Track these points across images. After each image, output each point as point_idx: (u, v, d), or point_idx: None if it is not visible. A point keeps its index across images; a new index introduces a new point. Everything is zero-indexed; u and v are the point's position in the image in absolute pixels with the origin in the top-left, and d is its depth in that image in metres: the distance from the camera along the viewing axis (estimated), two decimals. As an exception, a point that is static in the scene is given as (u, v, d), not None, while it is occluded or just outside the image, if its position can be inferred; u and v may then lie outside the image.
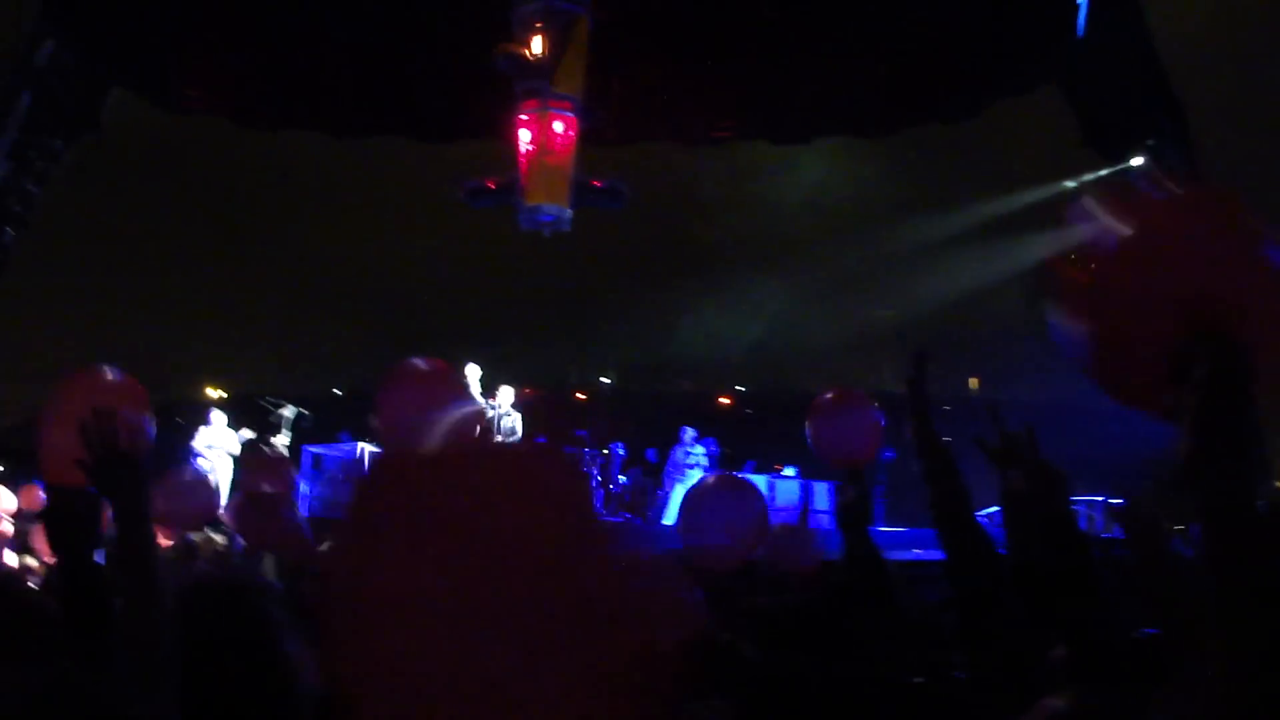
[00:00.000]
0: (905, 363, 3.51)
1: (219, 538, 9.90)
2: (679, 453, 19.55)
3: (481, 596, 1.20)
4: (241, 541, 5.43)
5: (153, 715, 2.06)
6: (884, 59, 19.06)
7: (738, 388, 44.37)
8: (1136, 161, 17.83)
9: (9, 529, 9.28)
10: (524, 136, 16.90)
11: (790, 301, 37.57)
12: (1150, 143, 17.75)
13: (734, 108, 20.22)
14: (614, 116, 19.12)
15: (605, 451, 20.44)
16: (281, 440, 18.36)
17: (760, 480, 17.48)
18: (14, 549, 9.16)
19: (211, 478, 8.70)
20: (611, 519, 17.77)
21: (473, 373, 17.27)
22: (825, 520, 17.62)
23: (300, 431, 18.92)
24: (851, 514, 3.79)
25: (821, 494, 19.12)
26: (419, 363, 4.19)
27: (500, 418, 17.63)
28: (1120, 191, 1.96)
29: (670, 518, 19.03)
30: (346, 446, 17.87)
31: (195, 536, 8.41)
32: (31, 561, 8.71)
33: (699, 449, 19.47)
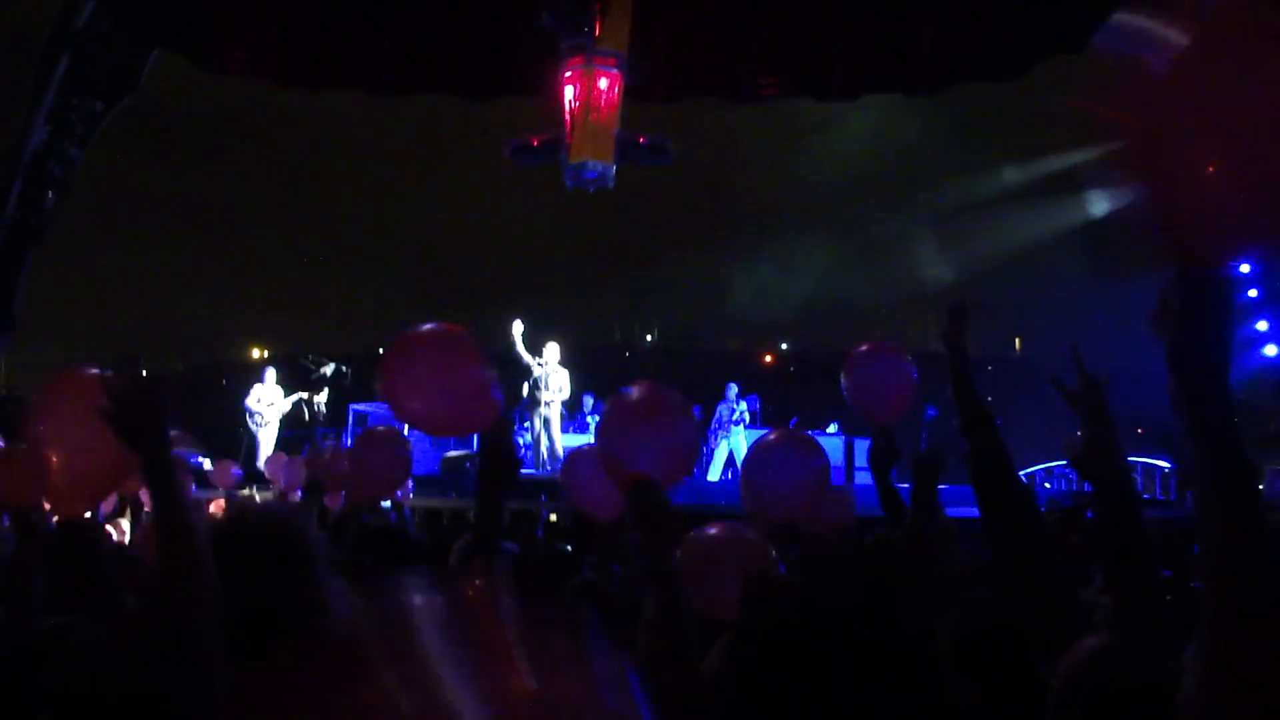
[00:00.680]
0: (944, 318, 3.47)
1: (261, 495, 9.98)
2: (723, 409, 19.58)
3: None
4: (288, 494, 5.50)
5: (197, 662, 2.09)
6: (931, 15, 18.86)
7: (782, 345, 44.31)
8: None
9: None
10: (569, 93, 16.87)
11: (836, 259, 37.45)
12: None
13: (779, 64, 20.06)
14: (659, 73, 19.02)
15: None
16: (321, 398, 18.51)
17: (837, 442, 17.56)
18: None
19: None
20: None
21: (517, 329, 17.33)
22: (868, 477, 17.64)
23: (341, 388, 19.05)
24: (879, 459, 3.79)
25: (864, 451, 19.10)
26: (426, 328, 4.08)
27: (548, 375, 17.69)
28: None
29: (714, 474, 19.09)
30: (392, 404, 17.98)
31: (242, 494, 8.50)
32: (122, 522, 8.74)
33: (742, 405, 19.50)
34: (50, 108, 17.57)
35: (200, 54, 19.49)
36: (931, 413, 19.88)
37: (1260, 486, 1.64)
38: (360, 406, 18.66)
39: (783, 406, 21.75)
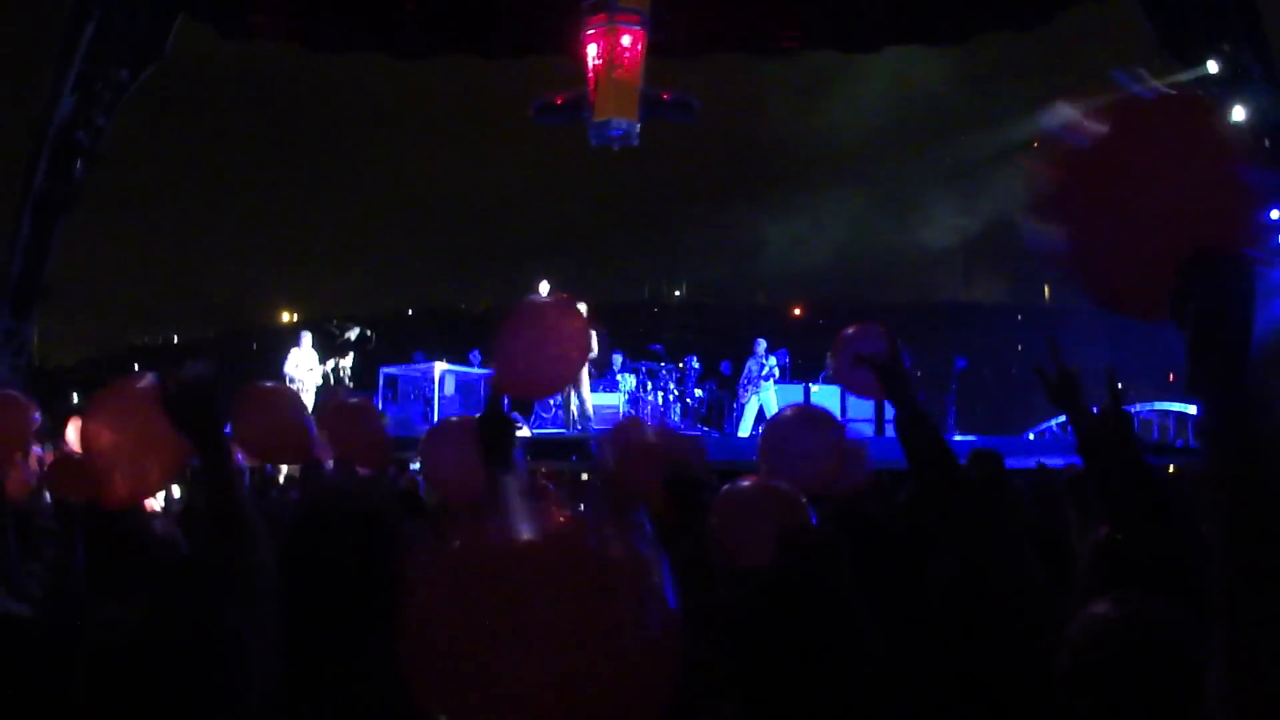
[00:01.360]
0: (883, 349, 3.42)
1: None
2: (752, 365, 19.58)
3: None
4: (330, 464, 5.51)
5: (253, 646, 2.11)
6: (954, -37, 18.78)
7: (810, 300, 44.23)
8: (1212, 67, 17.47)
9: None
10: (591, 51, 16.86)
11: (863, 213, 37.32)
12: (1225, 47, 17.37)
13: (801, 17, 19.99)
14: (682, 28, 18.97)
15: (681, 365, 20.52)
16: (347, 362, 18.58)
17: (833, 391, 17.49)
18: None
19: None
20: (690, 431, 17.92)
21: (543, 289, 17.38)
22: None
23: (366, 352, 19.13)
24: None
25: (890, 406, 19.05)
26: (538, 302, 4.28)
27: (575, 335, 17.71)
28: (1103, 95, 1.93)
29: (745, 430, 19.11)
30: (421, 367, 18.05)
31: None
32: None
33: (771, 360, 19.48)
34: (77, 77, 17.65)
35: (224, 20, 19.53)
36: (961, 364, 19.88)
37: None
38: (390, 369, 18.73)
39: (812, 361, 21.70)
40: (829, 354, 5.28)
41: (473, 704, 1.44)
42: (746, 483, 4.03)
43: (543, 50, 19.84)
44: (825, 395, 18.23)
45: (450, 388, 17.35)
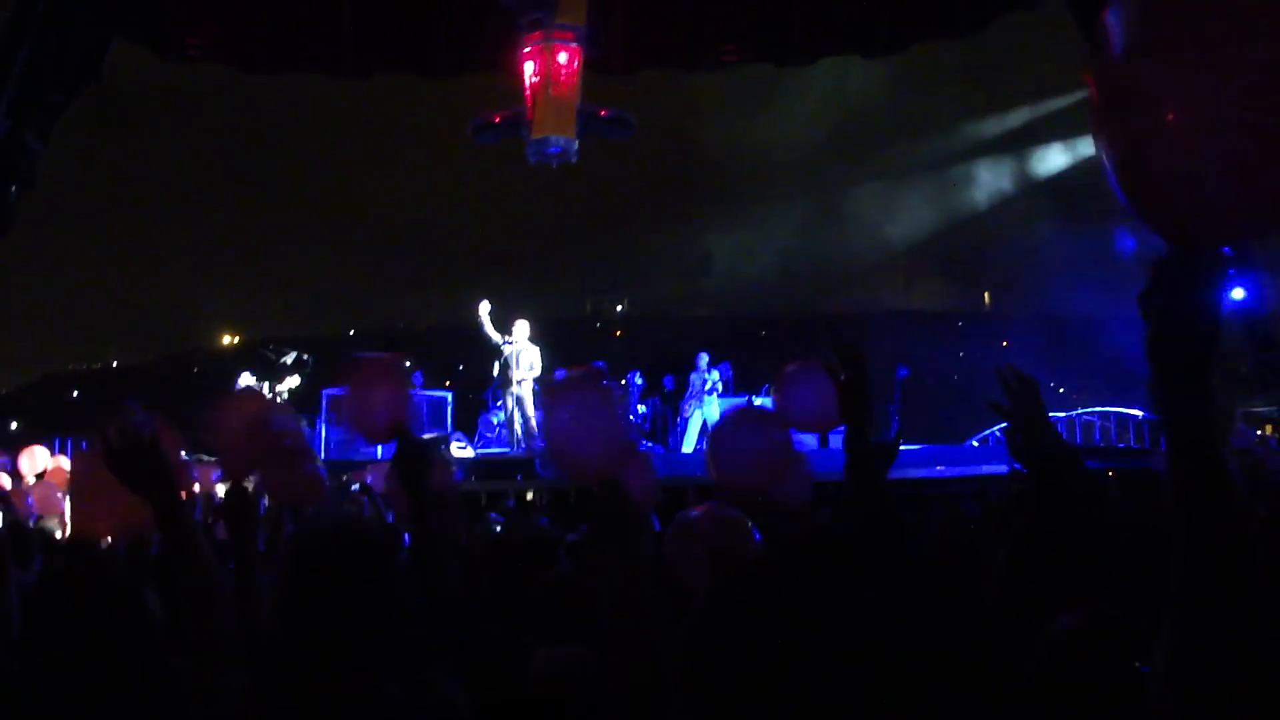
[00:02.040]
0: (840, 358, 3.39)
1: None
2: (695, 379, 19.63)
3: None
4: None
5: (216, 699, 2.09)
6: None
7: (752, 312, 44.38)
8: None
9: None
10: (528, 68, 16.85)
11: (802, 223, 37.55)
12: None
13: (737, 31, 20.07)
14: (618, 44, 19.00)
15: (623, 381, 20.53)
16: (286, 386, 18.48)
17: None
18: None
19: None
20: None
21: (484, 308, 17.38)
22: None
23: (306, 375, 19.04)
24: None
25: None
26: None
27: (518, 353, 17.70)
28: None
29: (689, 445, 19.15)
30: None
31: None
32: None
33: (714, 374, 19.54)
34: (10, 101, 17.43)
35: (159, 42, 19.35)
36: (903, 372, 20.01)
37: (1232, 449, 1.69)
38: (333, 391, 18.63)
39: (756, 373, 21.77)
40: (770, 388, 5.35)
41: None
42: (696, 511, 4.16)
43: (480, 69, 19.80)
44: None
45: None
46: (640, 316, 48.56)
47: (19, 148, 17.73)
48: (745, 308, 44.18)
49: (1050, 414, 3.27)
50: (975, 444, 22.93)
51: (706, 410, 19.11)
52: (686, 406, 19.68)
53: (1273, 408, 20.85)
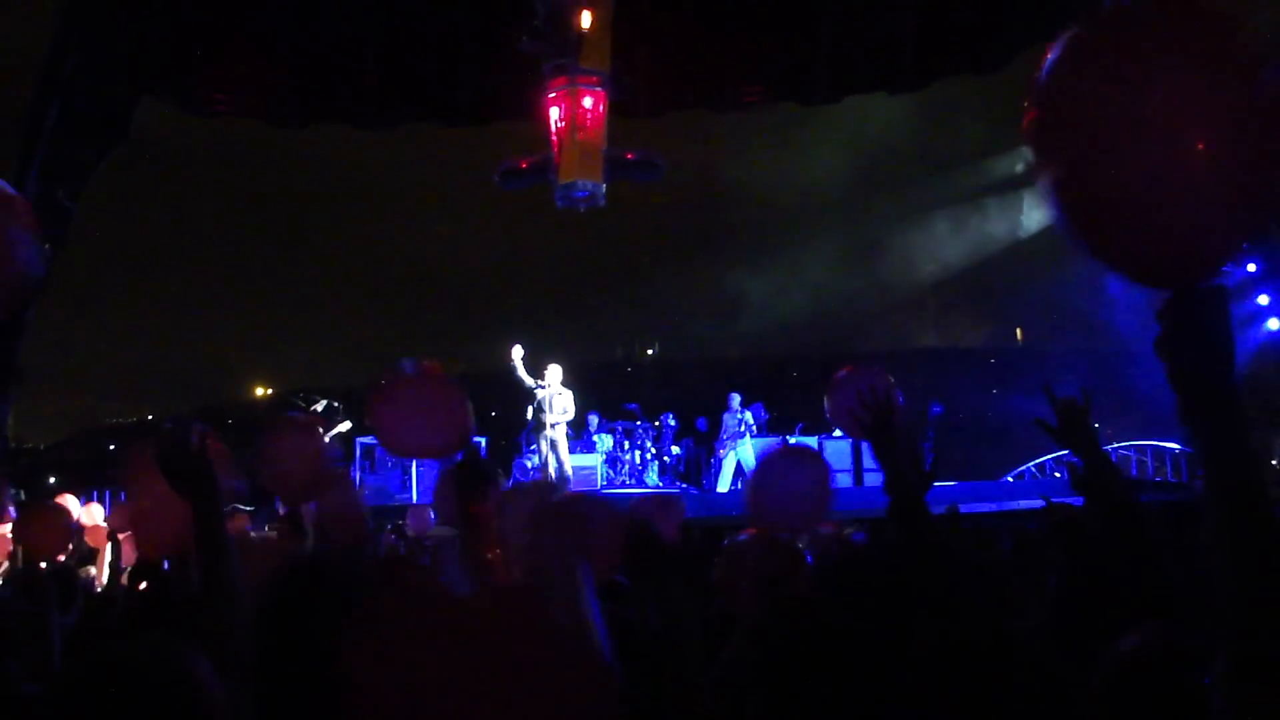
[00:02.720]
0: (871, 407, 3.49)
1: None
2: (729, 420, 19.60)
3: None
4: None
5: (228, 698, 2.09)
6: (911, 11, 18.90)
7: (784, 352, 44.30)
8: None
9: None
10: (554, 114, 16.90)
11: (832, 262, 37.45)
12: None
13: (761, 72, 20.12)
14: (643, 88, 19.07)
15: (657, 423, 20.54)
16: (337, 430, 18.53)
17: (810, 441, 17.51)
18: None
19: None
20: (670, 490, 17.91)
21: (517, 353, 17.38)
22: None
23: (353, 423, 19.12)
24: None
25: (870, 453, 19.12)
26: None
27: (551, 398, 17.69)
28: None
29: (724, 485, 19.09)
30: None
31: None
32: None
33: (747, 415, 19.51)
34: (42, 160, 17.56)
35: (187, 98, 19.55)
36: (937, 410, 19.90)
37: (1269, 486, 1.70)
38: (367, 439, 18.67)
39: (788, 411, 21.70)
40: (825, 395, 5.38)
41: None
42: (745, 535, 4.24)
43: (505, 116, 19.91)
44: (836, 449, 18.43)
45: (427, 456, 17.35)
46: (672, 359, 48.49)
47: (51, 206, 17.86)
48: (777, 348, 44.06)
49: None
50: (1010, 480, 22.79)
51: (740, 451, 19.06)
52: (720, 447, 19.66)
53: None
